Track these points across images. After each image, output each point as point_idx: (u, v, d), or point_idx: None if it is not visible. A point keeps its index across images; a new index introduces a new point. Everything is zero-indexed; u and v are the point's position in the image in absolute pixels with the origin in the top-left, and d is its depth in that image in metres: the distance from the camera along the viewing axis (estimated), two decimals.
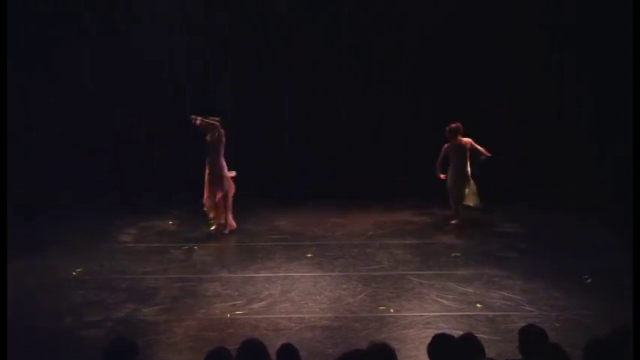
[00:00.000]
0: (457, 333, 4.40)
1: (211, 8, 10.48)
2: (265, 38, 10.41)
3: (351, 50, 10.48)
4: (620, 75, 9.54)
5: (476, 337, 4.23)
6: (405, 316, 6.64)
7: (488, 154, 9.09)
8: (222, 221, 9.17)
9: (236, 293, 7.20)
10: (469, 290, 7.22)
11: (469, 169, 9.28)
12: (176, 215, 10.18)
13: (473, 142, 9.23)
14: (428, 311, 6.74)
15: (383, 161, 10.58)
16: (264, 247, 8.84)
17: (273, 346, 4.14)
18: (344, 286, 7.37)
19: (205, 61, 10.53)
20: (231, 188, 9.06)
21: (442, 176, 9.27)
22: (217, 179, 8.94)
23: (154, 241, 9.08)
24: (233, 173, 9.05)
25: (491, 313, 6.65)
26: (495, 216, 10.02)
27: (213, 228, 9.23)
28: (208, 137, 8.86)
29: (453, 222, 9.51)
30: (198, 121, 8.80)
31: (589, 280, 7.42)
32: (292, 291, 7.26)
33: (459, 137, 9.14)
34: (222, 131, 8.87)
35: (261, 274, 7.75)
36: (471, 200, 9.38)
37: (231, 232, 9.22)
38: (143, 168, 10.52)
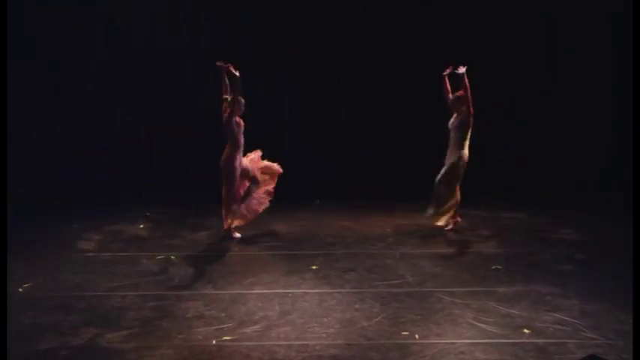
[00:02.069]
0: None
1: (212, 8, 12.08)
2: (265, 38, 11.96)
3: (351, 50, 12.04)
4: (621, 75, 11.06)
5: None
6: (434, 343, 6.59)
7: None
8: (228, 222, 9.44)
9: (223, 314, 7.15)
10: (514, 312, 7.16)
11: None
12: (149, 217, 10.26)
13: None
14: (462, 338, 6.69)
15: (385, 161, 12.10)
16: (259, 256, 8.86)
17: None
18: (357, 306, 7.33)
19: (206, 62, 11.40)
20: (235, 183, 9.21)
21: None
22: (222, 168, 9.24)
23: (121, 250, 9.12)
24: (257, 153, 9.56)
25: (541, 341, 6.60)
26: (546, 219, 10.11)
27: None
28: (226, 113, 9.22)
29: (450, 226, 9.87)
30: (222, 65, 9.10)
31: None
32: (293, 312, 7.21)
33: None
34: (235, 118, 9.14)
35: (255, 291, 7.73)
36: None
37: (227, 238, 9.43)
38: (143, 168, 12.09)
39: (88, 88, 12.08)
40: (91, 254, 8.96)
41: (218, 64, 9.18)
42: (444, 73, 9.68)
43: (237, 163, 9.25)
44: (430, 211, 9.68)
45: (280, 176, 9.89)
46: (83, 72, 12.08)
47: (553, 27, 11.80)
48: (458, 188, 9.67)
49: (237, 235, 9.44)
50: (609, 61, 11.75)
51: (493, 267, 8.37)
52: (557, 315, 7.07)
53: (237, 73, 9.12)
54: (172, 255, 8.86)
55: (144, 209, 11.02)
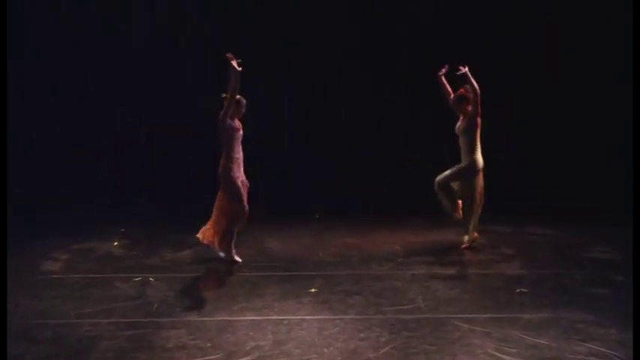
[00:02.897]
0: None
1: (211, 8, 13.32)
2: (265, 38, 13.18)
3: (351, 50, 13.30)
4: (621, 74, 12.28)
5: None
6: None
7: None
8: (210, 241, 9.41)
9: (209, 345, 7.10)
10: (541, 341, 7.11)
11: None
12: (124, 233, 10.26)
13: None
14: None
15: (388, 166, 13.26)
16: (250, 278, 8.84)
17: None
18: (362, 335, 7.29)
19: (206, 62, 12.92)
20: (239, 196, 9.16)
21: None
22: (220, 181, 9.18)
23: (92, 271, 9.11)
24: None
25: None
26: (576, 236, 10.15)
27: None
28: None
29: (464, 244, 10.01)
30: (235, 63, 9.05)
31: None
32: (289, 342, 7.16)
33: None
34: (230, 119, 9.09)
35: (246, 318, 7.70)
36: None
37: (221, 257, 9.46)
38: (143, 168, 13.29)
39: (88, 88, 13.22)
40: (57, 276, 8.93)
41: (228, 55, 9.09)
42: (440, 73, 9.93)
43: (234, 174, 9.14)
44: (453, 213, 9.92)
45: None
46: (83, 72, 13.17)
47: (553, 27, 12.93)
48: (479, 201, 9.72)
49: (238, 258, 9.45)
50: (609, 60, 12.76)
51: (517, 290, 8.36)
52: (591, 345, 7.02)
53: (239, 67, 9.03)
54: (151, 277, 8.85)
55: (118, 224, 11.02)
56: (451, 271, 9.09)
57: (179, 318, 7.72)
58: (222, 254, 9.42)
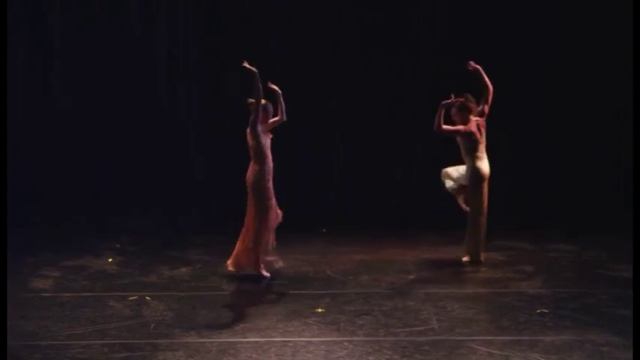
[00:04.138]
0: None
1: (211, 8, 13.63)
2: (265, 38, 13.43)
3: (352, 50, 13.61)
4: (621, 74, 12.68)
5: None
6: None
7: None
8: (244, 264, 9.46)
9: None
10: None
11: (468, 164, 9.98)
12: (118, 249, 10.23)
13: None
14: None
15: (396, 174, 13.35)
16: (253, 297, 8.85)
17: None
18: (372, 358, 7.27)
19: (206, 62, 13.48)
20: (267, 217, 9.28)
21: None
22: (250, 193, 9.29)
23: (84, 289, 9.10)
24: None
25: None
26: (601, 253, 10.12)
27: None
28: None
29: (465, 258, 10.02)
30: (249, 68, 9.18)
31: None
32: None
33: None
34: (259, 120, 9.24)
35: (248, 339, 7.69)
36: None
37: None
38: (145, 174, 13.33)
39: (88, 89, 13.36)
40: (47, 294, 8.91)
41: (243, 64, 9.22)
42: (444, 102, 9.79)
43: (269, 183, 9.26)
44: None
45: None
46: (83, 73, 13.32)
47: (554, 27, 13.13)
48: (484, 211, 9.79)
49: (267, 273, 9.47)
50: (609, 60, 12.95)
51: (538, 310, 8.33)
52: None
53: (254, 68, 9.20)
54: (147, 295, 8.84)
55: (112, 239, 11.01)
56: (467, 289, 9.07)
57: (177, 339, 7.69)
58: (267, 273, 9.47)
